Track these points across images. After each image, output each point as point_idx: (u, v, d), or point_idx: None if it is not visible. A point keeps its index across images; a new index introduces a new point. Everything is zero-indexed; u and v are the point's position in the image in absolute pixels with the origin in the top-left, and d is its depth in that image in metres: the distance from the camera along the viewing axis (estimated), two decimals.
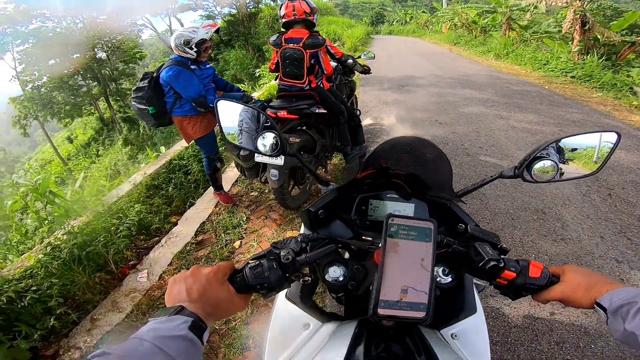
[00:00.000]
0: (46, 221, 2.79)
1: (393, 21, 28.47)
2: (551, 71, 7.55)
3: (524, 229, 2.45)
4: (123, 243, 2.41)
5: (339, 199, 0.80)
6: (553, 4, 8.40)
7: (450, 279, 0.65)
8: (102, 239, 2.31)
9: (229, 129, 0.81)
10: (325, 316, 0.77)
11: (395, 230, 0.54)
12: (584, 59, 7.27)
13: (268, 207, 2.88)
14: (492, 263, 0.58)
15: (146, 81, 2.42)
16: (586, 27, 7.39)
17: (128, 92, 17.24)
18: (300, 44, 2.38)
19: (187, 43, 2.35)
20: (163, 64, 2.46)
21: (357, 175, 0.80)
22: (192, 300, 0.51)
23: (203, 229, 2.70)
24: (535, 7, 9.93)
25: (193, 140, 2.65)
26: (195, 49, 2.37)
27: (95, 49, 16.21)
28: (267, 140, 0.76)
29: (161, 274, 2.27)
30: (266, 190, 3.11)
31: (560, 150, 0.74)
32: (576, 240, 2.32)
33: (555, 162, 0.72)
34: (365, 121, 4.69)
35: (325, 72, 2.55)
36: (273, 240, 2.47)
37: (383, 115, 5.09)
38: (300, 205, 2.72)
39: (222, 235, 2.59)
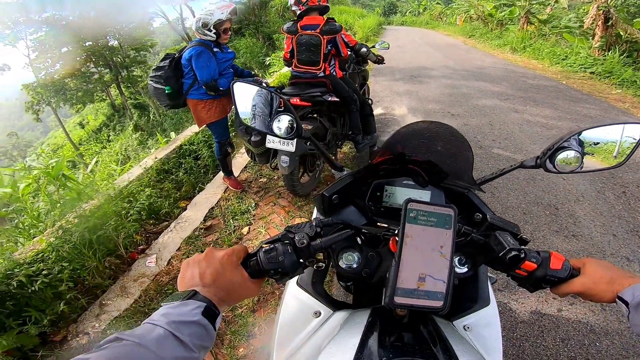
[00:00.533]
0: (58, 204, 2.82)
1: (406, 12, 27.97)
2: (569, 66, 7.35)
3: (536, 223, 2.41)
4: (133, 227, 2.43)
5: (353, 184, 0.78)
6: None
7: (466, 269, 0.64)
8: (112, 223, 2.32)
9: (244, 112, 0.80)
10: (336, 304, 0.76)
11: (414, 215, 0.52)
12: (605, 55, 7.05)
13: (277, 193, 2.88)
14: (513, 253, 0.56)
15: (167, 61, 2.43)
16: (609, 23, 7.17)
17: (139, 79, 17.36)
18: (318, 30, 2.39)
19: (205, 25, 2.37)
20: (185, 46, 2.49)
21: (373, 161, 0.78)
22: (205, 285, 0.50)
23: (212, 214, 2.71)
24: (556, 2, 9.64)
25: (205, 125, 2.64)
26: (214, 31, 2.39)
27: (108, 37, 16.29)
28: (282, 123, 0.75)
29: (169, 259, 2.29)
30: (275, 177, 3.11)
31: (582, 144, 0.72)
32: (588, 237, 2.28)
33: (579, 153, 0.70)
34: (377, 111, 4.62)
35: (342, 54, 2.56)
36: (281, 226, 2.47)
37: (394, 105, 5.02)
38: (309, 193, 2.71)
39: (231, 221, 2.59)
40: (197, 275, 0.51)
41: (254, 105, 0.79)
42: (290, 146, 2.17)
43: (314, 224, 0.62)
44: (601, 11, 7.19)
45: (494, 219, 0.67)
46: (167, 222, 2.68)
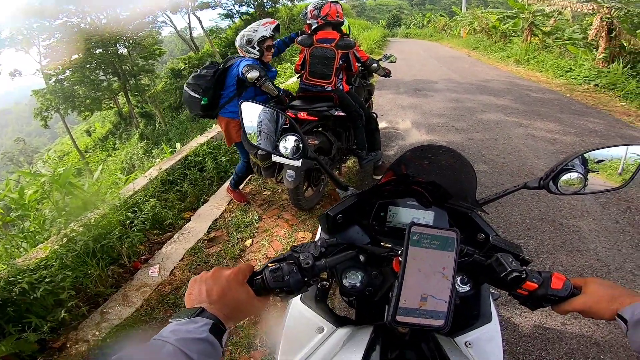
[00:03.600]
0: (63, 212, 2.85)
1: (410, 24, 28.33)
2: (573, 79, 7.35)
3: (540, 239, 2.40)
4: (137, 237, 2.45)
5: (358, 204, 0.80)
6: (579, 10, 8.20)
7: (468, 288, 0.66)
8: (117, 232, 2.34)
9: (250, 129, 0.82)
10: (339, 320, 0.77)
11: (417, 239, 0.54)
12: (609, 67, 7.06)
13: (280, 207, 2.89)
14: (514, 274, 0.58)
15: (211, 71, 2.38)
16: (612, 34, 7.19)
17: (146, 88, 17.64)
18: (333, 44, 2.44)
19: (249, 42, 2.37)
20: (229, 58, 2.49)
21: (378, 182, 0.80)
22: (212, 302, 0.51)
23: (215, 226, 2.72)
24: (560, 13, 9.71)
25: (233, 144, 2.65)
26: (257, 48, 2.39)
27: (117, 45, 16.64)
28: (288, 142, 0.77)
29: (172, 270, 2.30)
30: (279, 190, 3.12)
31: (585, 162, 0.73)
32: (593, 252, 2.27)
33: (582, 175, 0.71)
34: (381, 125, 4.64)
35: (352, 69, 2.64)
36: (285, 239, 2.48)
37: (398, 119, 5.05)
38: (313, 207, 2.71)
39: (234, 233, 2.60)
40: (205, 292, 0.53)
41: (259, 123, 0.81)
42: (297, 161, 2.19)
43: (319, 244, 0.63)
44: (604, 22, 7.22)
45: (497, 241, 0.68)
46: (170, 233, 2.69)
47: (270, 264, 0.59)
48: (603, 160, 0.74)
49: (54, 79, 16.44)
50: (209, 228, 2.69)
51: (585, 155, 0.74)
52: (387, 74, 3.23)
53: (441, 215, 0.80)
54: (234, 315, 0.54)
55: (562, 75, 7.67)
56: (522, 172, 3.32)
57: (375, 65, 2.96)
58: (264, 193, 3.14)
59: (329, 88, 2.54)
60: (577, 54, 8.22)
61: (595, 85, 6.77)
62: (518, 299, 0.63)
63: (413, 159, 0.80)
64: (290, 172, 2.22)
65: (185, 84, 2.47)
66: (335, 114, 2.53)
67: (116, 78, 17.30)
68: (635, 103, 5.66)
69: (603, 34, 7.31)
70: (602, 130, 4.39)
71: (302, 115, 2.42)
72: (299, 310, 0.77)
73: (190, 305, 0.52)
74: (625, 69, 6.85)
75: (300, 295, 0.75)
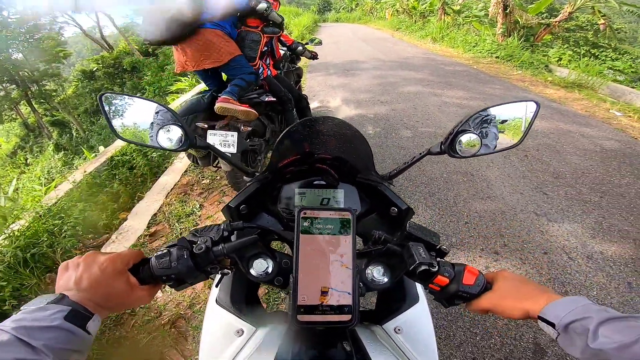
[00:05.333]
0: None
1: (340, 9, 28.70)
2: (479, 52, 8.25)
3: (456, 190, 2.77)
4: (70, 242, 2.34)
5: (263, 189, 0.73)
6: None
7: (386, 280, 0.58)
8: (45, 240, 2.25)
9: (121, 125, 0.70)
10: (267, 318, 0.71)
11: (308, 225, 0.50)
12: (507, 41, 8.07)
13: (221, 192, 2.91)
14: (423, 267, 0.53)
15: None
16: (507, 11, 8.17)
17: (54, 94, 15.59)
18: (259, 29, 2.47)
19: None
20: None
21: (279, 164, 0.73)
22: (80, 290, 0.48)
23: (155, 221, 2.66)
24: None
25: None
26: None
27: (10, 50, 14.34)
28: (172, 134, 0.68)
29: None
30: (218, 177, 3.13)
31: (485, 122, 0.70)
32: (500, 197, 2.65)
33: (478, 135, 0.68)
34: (313, 104, 4.82)
35: (276, 56, 2.69)
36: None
37: (329, 98, 5.27)
38: None
39: (176, 224, 2.57)
40: (73, 279, 0.48)
41: (129, 115, 0.70)
42: (232, 148, 2.24)
43: (223, 227, 0.58)
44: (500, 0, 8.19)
45: (412, 228, 0.61)
46: (107, 235, 2.57)
47: (160, 250, 0.54)
48: (506, 120, 0.71)
49: None
50: (149, 223, 2.62)
51: (484, 113, 0.70)
52: (313, 56, 3.37)
53: (351, 192, 0.76)
54: (108, 304, 0.50)
55: (470, 50, 8.57)
56: (438, 133, 3.77)
57: (300, 48, 3.08)
58: (203, 182, 3.12)
59: (260, 73, 2.57)
60: (481, 30, 9.23)
61: (496, 57, 7.71)
62: (433, 294, 0.58)
63: (309, 135, 0.73)
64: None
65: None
66: (266, 99, 2.60)
67: (14, 86, 14.95)
68: (529, 71, 6.62)
69: (500, 10, 8.27)
70: (501, 94, 5.11)
71: None
72: (215, 314, 0.71)
73: (59, 292, 0.48)
74: (520, 42, 7.89)
75: (214, 297, 0.73)
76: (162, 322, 1.82)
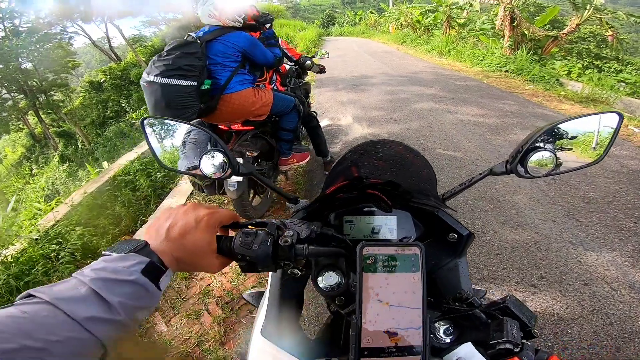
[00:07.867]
0: None
1: (343, 22, 29.11)
2: (488, 66, 8.15)
3: (484, 218, 2.56)
4: (67, 270, 2.20)
5: (310, 217, 0.69)
6: (486, 1, 9.12)
7: (449, 341, 0.54)
8: (40, 267, 2.12)
9: (159, 149, 0.68)
10: (318, 350, 0.65)
11: (372, 262, 0.46)
12: (515, 54, 7.97)
13: None
14: (507, 345, 0.47)
15: (192, 47, 1.77)
16: (514, 23, 8.11)
17: (61, 105, 15.74)
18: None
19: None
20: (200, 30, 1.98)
21: (327, 191, 0.69)
22: (168, 239, 0.45)
23: None
24: (471, 5, 10.72)
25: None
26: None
27: (20, 59, 14.55)
28: (215, 160, 0.64)
29: None
30: (225, 202, 2.96)
31: (554, 138, 0.65)
32: (532, 225, 2.44)
33: (553, 153, 0.62)
34: (323, 122, 4.69)
35: (280, 70, 2.62)
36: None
37: (340, 115, 5.14)
38: (263, 215, 2.61)
39: None
40: (165, 227, 0.47)
41: (175, 141, 0.69)
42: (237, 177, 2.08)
43: (313, 227, 0.55)
44: (507, 12, 8.11)
45: (512, 303, 0.56)
46: None
47: (250, 226, 0.52)
48: (576, 136, 0.66)
49: None
50: None
51: (555, 128, 0.64)
52: (321, 70, 3.24)
53: (405, 218, 0.71)
54: (187, 261, 0.47)
55: (478, 64, 8.47)
56: (458, 155, 3.59)
57: (308, 62, 2.95)
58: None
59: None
60: (488, 43, 9.15)
61: (505, 71, 7.59)
62: None
63: (361, 158, 0.69)
64: (232, 182, 2.10)
65: (158, 75, 1.73)
66: (273, 119, 2.45)
67: (22, 95, 15.12)
68: (541, 85, 6.48)
69: (507, 23, 8.21)
70: (517, 111, 4.93)
71: (237, 126, 2.30)
72: (260, 348, 0.65)
73: (147, 239, 0.46)
74: (529, 55, 7.79)
75: (260, 327, 0.67)
76: None
